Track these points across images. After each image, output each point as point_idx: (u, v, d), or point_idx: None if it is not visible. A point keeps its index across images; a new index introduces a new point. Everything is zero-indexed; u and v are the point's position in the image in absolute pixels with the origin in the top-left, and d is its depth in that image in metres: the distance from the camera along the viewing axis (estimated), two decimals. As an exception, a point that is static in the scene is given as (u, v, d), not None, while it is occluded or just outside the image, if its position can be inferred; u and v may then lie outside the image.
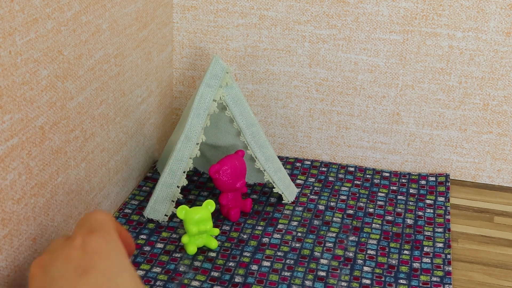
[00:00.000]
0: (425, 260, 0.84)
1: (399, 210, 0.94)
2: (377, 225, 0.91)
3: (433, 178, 1.02)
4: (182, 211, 0.82)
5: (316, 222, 0.91)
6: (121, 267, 0.53)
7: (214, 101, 0.87)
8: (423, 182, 1.02)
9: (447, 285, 0.79)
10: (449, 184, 1.03)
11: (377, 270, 0.81)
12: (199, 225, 0.81)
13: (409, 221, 0.92)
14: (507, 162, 1.03)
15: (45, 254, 0.56)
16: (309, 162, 1.06)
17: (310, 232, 0.88)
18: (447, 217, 0.93)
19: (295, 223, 0.90)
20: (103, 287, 0.50)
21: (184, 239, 0.82)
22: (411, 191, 0.99)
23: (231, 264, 0.82)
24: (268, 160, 0.91)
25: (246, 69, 1.06)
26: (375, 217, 0.92)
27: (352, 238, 0.88)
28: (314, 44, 1.02)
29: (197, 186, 0.99)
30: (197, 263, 0.81)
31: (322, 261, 0.83)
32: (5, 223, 0.65)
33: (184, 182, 0.88)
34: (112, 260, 0.53)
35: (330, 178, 1.02)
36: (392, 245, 0.86)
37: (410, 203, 0.96)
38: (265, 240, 0.86)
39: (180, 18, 1.05)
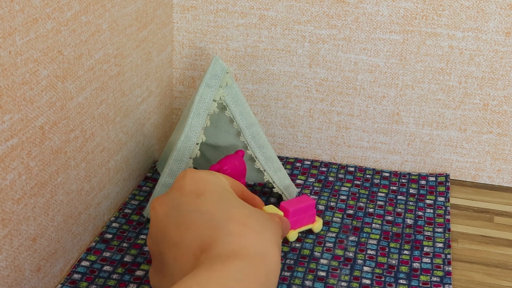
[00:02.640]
0: (425, 260, 0.84)
1: (399, 210, 0.94)
2: (377, 225, 0.91)
3: (433, 178, 1.03)
4: (182, 211, 0.82)
5: (316, 222, 0.91)
6: (227, 190, 0.62)
7: (214, 101, 0.87)
8: (423, 182, 1.02)
9: (447, 285, 0.79)
10: (449, 184, 1.03)
11: (377, 270, 0.81)
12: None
13: (409, 221, 0.92)
14: (507, 162, 1.03)
15: (160, 196, 0.64)
16: (309, 162, 1.06)
17: (310, 232, 0.88)
18: (447, 217, 0.93)
19: (295, 223, 0.90)
20: (218, 203, 0.58)
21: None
22: (411, 191, 0.99)
23: (231, 264, 0.82)
24: (268, 160, 0.91)
25: (246, 69, 1.06)
26: (375, 217, 0.92)
27: (352, 238, 0.88)
28: (314, 44, 1.02)
29: (197, 186, 0.99)
30: (197, 263, 0.81)
31: (322, 261, 0.83)
32: (5, 223, 0.65)
33: (184, 182, 0.88)
34: (218, 184, 0.61)
35: (330, 178, 1.02)
36: (392, 245, 0.86)
37: (410, 203, 0.96)
38: (265, 240, 0.86)
39: (180, 18, 1.05)
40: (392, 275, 0.81)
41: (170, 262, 0.58)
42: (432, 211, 0.94)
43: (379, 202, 0.96)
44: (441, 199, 0.97)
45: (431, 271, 0.81)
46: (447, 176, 1.03)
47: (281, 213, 0.84)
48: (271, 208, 0.84)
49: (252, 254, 0.53)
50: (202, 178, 0.62)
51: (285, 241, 0.86)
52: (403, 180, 1.02)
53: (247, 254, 0.53)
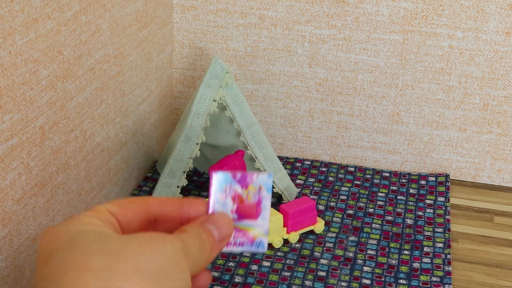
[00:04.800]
0: (425, 260, 0.84)
1: (399, 210, 0.94)
2: (377, 225, 0.91)
3: (433, 178, 1.03)
4: (182, 211, 0.82)
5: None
6: (82, 235, 0.48)
7: (214, 101, 0.87)
8: (423, 182, 1.02)
9: (447, 285, 0.79)
10: (449, 184, 1.03)
11: (377, 270, 0.81)
12: (199, 225, 0.81)
13: (409, 221, 0.92)
14: (507, 162, 1.03)
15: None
16: (309, 162, 1.06)
17: (310, 233, 0.88)
18: (447, 217, 0.93)
19: (295, 223, 0.90)
20: (63, 257, 0.45)
21: (184, 239, 0.82)
22: (411, 191, 0.99)
23: (231, 264, 0.82)
24: (268, 160, 0.91)
25: (246, 69, 1.06)
26: (375, 217, 0.92)
27: (352, 238, 0.88)
28: (314, 44, 1.02)
29: (197, 186, 0.99)
30: (197, 263, 0.81)
31: (322, 261, 0.83)
32: (5, 223, 0.65)
33: (184, 182, 0.88)
34: (70, 237, 0.47)
35: (330, 178, 1.02)
36: (392, 245, 0.86)
37: (410, 203, 0.96)
38: (265, 240, 0.86)
39: (180, 18, 1.05)
40: (392, 275, 0.81)
41: None
42: (432, 211, 0.94)
43: (379, 202, 0.96)
44: (441, 199, 0.97)
45: (431, 271, 0.81)
46: (447, 176, 1.03)
47: (281, 216, 0.85)
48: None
49: None
50: (55, 236, 0.47)
51: (286, 241, 0.86)
52: (403, 180, 1.02)
53: None
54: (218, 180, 0.54)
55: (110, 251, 0.44)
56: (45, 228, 0.51)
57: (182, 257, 0.46)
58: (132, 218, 0.50)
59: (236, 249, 0.55)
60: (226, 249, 0.55)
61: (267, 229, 0.56)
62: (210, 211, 0.54)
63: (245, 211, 0.55)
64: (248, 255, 0.83)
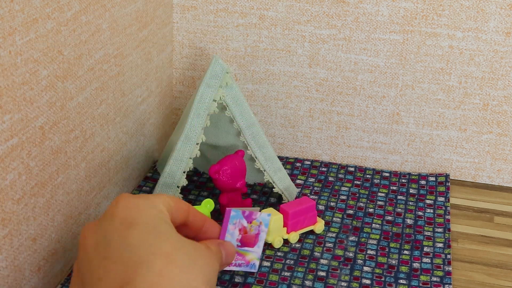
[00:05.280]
0: (425, 260, 0.84)
1: (399, 210, 0.94)
2: (377, 225, 0.91)
3: (433, 178, 1.03)
4: (182, 211, 0.82)
5: (316, 222, 0.91)
6: (163, 220, 0.57)
7: (214, 101, 0.87)
8: (423, 182, 1.02)
9: (447, 285, 0.79)
10: (449, 184, 1.03)
11: (377, 270, 0.81)
12: (199, 225, 0.82)
13: (409, 221, 0.92)
14: (507, 162, 1.03)
15: (92, 222, 0.61)
16: (309, 162, 1.06)
17: (310, 233, 0.88)
18: (447, 217, 0.93)
19: (295, 223, 0.90)
20: (148, 235, 0.54)
21: (184, 239, 0.82)
22: (411, 191, 0.99)
23: (231, 264, 0.82)
24: (268, 160, 0.91)
25: (246, 69, 1.06)
26: (375, 217, 0.92)
27: (352, 238, 0.88)
28: (314, 44, 1.02)
29: (197, 186, 0.99)
30: (197, 263, 0.81)
31: (322, 261, 0.83)
32: (5, 223, 0.65)
33: (184, 182, 0.88)
34: (153, 215, 0.57)
35: (330, 178, 1.02)
36: (392, 245, 0.86)
37: (410, 203, 0.96)
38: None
39: (180, 18, 1.05)
40: (392, 275, 0.81)
41: None
42: (432, 211, 0.94)
43: (379, 202, 0.96)
44: (441, 199, 0.97)
45: (431, 271, 0.81)
46: (447, 176, 1.03)
47: (281, 216, 0.85)
48: (269, 211, 0.85)
49: None
50: (136, 206, 0.58)
51: (286, 241, 0.86)
52: (403, 180, 1.02)
53: None
54: (231, 215, 0.71)
55: (189, 253, 0.54)
56: (120, 195, 0.59)
57: (217, 270, 0.59)
58: (176, 217, 0.61)
59: (235, 268, 0.73)
60: (228, 268, 0.72)
61: (260, 255, 0.74)
62: (223, 238, 0.70)
63: (247, 240, 0.73)
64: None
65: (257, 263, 0.74)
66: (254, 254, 0.75)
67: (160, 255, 0.52)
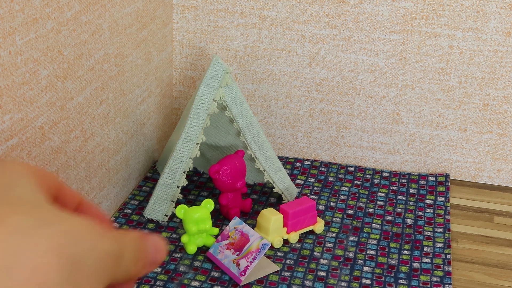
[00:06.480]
0: (425, 260, 0.84)
1: (399, 210, 0.94)
2: (377, 225, 0.91)
3: (433, 178, 1.02)
4: (181, 210, 0.82)
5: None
6: (17, 181, 0.42)
7: (214, 101, 0.87)
8: (423, 182, 1.02)
9: (447, 285, 0.79)
10: (449, 184, 1.03)
11: (377, 270, 0.81)
12: (199, 224, 0.82)
13: (409, 221, 0.92)
14: (507, 162, 1.03)
15: None
16: (309, 162, 1.06)
17: (310, 233, 0.88)
18: (447, 217, 0.93)
19: (295, 223, 0.90)
20: None
21: (184, 239, 0.82)
22: (411, 191, 0.99)
23: (231, 264, 0.82)
24: (268, 160, 0.91)
25: (246, 69, 1.06)
26: (375, 217, 0.92)
27: (352, 238, 0.88)
28: (314, 44, 1.02)
29: (197, 186, 0.99)
30: (197, 263, 0.81)
31: (322, 261, 0.83)
32: (5, 223, 0.65)
33: (184, 182, 0.88)
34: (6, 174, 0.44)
35: (330, 178, 1.02)
36: (392, 245, 0.86)
37: (410, 203, 0.96)
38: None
39: (180, 18, 1.05)
40: (392, 275, 0.81)
41: None
42: (432, 211, 0.94)
43: (379, 202, 0.96)
44: (441, 199, 0.97)
45: (431, 271, 0.81)
46: (447, 176, 1.03)
47: (281, 216, 0.85)
48: (269, 211, 0.85)
49: None
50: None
51: (286, 242, 0.86)
52: (403, 180, 1.02)
53: None
54: (213, 255, 0.80)
55: (42, 217, 0.38)
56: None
57: (112, 254, 0.41)
58: (44, 185, 0.44)
59: (256, 262, 0.77)
60: (251, 267, 0.77)
61: (260, 236, 0.75)
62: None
63: (240, 244, 0.76)
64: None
65: (264, 240, 0.77)
66: (256, 241, 0.77)
67: None
